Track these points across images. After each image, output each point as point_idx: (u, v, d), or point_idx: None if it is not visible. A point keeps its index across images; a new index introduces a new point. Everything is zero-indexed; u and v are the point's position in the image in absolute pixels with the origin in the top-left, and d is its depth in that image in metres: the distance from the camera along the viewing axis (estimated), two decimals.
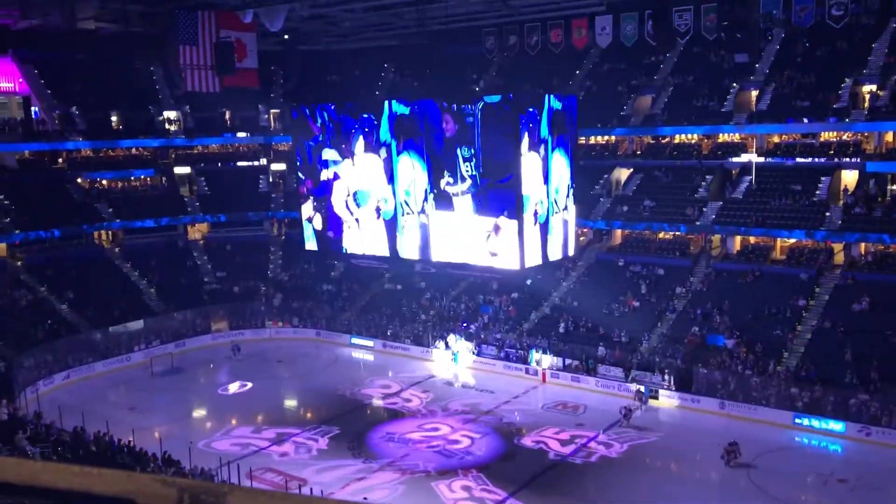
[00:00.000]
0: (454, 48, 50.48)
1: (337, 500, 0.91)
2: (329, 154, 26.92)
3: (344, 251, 27.61)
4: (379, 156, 25.46)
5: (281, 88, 53.79)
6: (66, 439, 24.91)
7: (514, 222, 22.52)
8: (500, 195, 22.69)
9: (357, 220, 26.73)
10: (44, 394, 32.55)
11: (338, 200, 27.05)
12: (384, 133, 25.16)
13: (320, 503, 0.93)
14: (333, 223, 27.32)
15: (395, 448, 27.94)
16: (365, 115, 25.67)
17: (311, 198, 28.00)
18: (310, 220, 28.22)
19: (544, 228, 23.76)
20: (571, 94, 29.75)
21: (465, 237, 23.63)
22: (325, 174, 27.18)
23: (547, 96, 23.48)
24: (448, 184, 23.59)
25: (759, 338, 32.77)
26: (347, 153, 26.32)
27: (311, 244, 28.52)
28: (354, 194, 26.66)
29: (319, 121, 26.70)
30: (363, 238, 26.64)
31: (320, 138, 26.80)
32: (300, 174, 28.43)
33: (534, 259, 23.72)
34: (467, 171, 23.04)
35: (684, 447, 27.66)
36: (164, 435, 27.31)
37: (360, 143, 25.86)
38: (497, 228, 22.94)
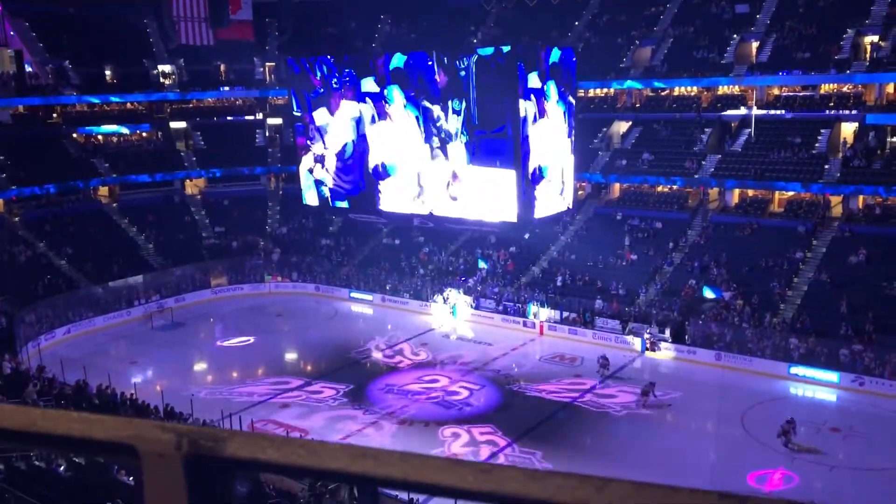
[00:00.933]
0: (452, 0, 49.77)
1: (337, 444, 0.92)
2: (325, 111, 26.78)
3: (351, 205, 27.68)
4: (376, 108, 25.32)
5: (276, 41, 53.07)
6: (69, 392, 25.17)
7: (505, 171, 22.59)
8: (492, 145, 22.75)
9: (362, 175, 26.69)
10: (45, 348, 32.80)
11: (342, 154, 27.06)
12: (380, 85, 25.01)
13: (320, 447, 0.95)
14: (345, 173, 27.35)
15: (395, 399, 28.28)
16: (362, 68, 25.51)
17: (312, 151, 27.88)
18: (310, 171, 28.14)
19: (537, 180, 23.76)
20: (568, 46, 29.43)
21: (460, 188, 23.75)
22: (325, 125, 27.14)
23: (542, 49, 23.27)
24: (441, 135, 23.64)
25: (755, 290, 32.95)
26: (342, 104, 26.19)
27: (311, 197, 28.47)
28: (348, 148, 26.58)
29: (319, 74, 26.48)
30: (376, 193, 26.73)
31: (321, 91, 26.60)
32: (299, 125, 28.24)
33: (531, 212, 23.75)
34: (458, 122, 23.09)
35: (680, 398, 27.97)
36: (165, 388, 27.60)
37: (355, 96, 25.74)
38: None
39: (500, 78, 22.19)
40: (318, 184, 27.94)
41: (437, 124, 23.79)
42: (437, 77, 23.31)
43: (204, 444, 1.01)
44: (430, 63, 23.49)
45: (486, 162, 23.01)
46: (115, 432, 1.08)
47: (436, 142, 23.97)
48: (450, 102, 23.13)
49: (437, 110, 23.75)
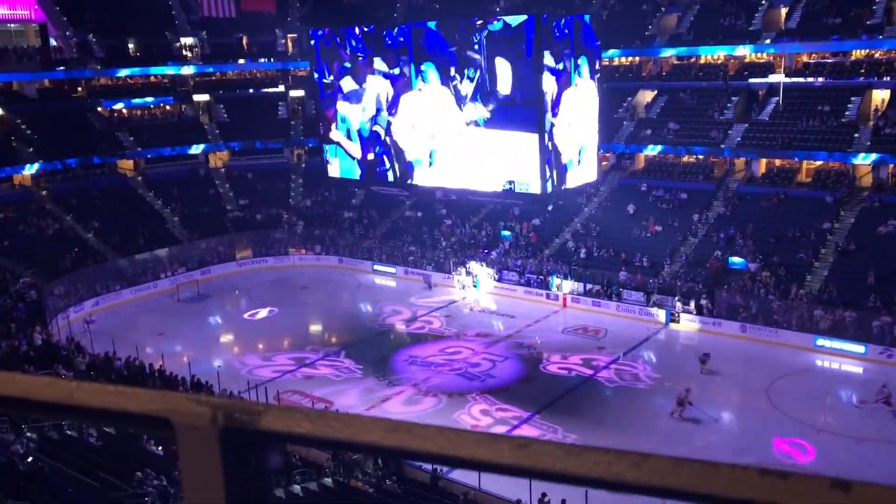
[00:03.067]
0: None
1: (371, 417, 0.91)
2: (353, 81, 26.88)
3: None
4: (399, 79, 25.32)
5: (297, 12, 52.83)
6: (99, 363, 25.63)
7: (528, 138, 22.61)
8: (510, 114, 22.89)
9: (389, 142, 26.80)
10: (75, 320, 33.34)
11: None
12: (403, 56, 25.01)
13: (354, 420, 0.95)
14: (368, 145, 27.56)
15: (418, 371, 28.46)
16: (388, 40, 25.49)
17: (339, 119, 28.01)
18: (337, 142, 28.23)
19: (557, 151, 23.73)
20: (585, 14, 29.14)
21: (480, 155, 23.87)
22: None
23: (553, 19, 23.12)
24: (460, 101, 23.79)
25: (782, 261, 32.62)
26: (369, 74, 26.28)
27: (335, 168, 28.60)
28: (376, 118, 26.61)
29: (348, 48, 26.51)
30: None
31: (348, 65, 26.64)
32: (327, 93, 28.27)
33: (556, 182, 23.69)
34: (473, 89, 23.28)
35: (705, 371, 27.82)
36: (192, 360, 27.99)
37: (382, 66, 25.75)
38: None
39: (512, 48, 22.36)
40: (345, 154, 28.07)
41: (460, 93, 23.89)
42: (451, 48, 23.50)
43: (239, 418, 1.02)
44: (445, 39, 23.66)
45: (506, 126, 23.13)
46: (151, 405, 1.09)
47: (463, 111, 24.01)
48: (465, 71, 23.38)
49: (457, 80, 23.87)
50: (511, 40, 22.42)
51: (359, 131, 27.24)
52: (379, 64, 26.00)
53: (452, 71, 23.97)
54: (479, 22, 23.90)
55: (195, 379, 24.91)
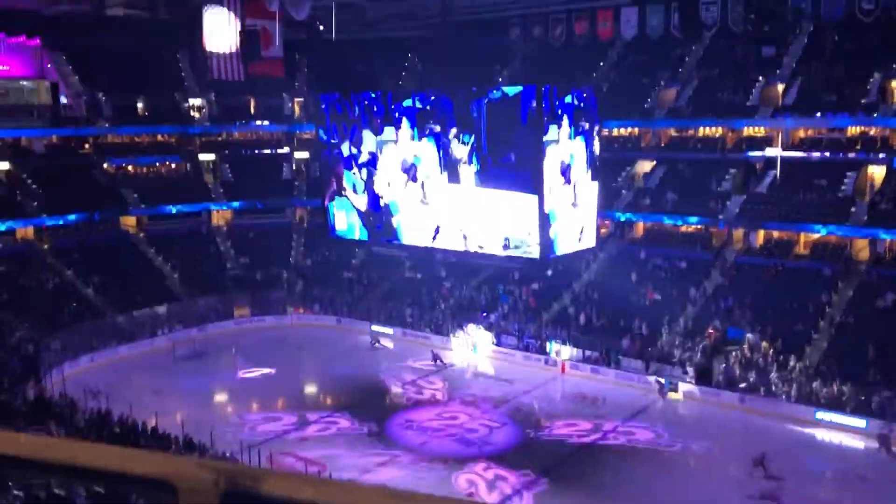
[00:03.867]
0: (478, 39, 50.34)
1: (373, 486, 0.94)
2: (366, 138, 27.53)
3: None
4: (401, 141, 25.84)
5: (305, 77, 53.90)
6: (91, 420, 25.29)
7: (527, 202, 22.94)
8: (505, 175, 23.51)
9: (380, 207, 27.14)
10: (69, 376, 33.00)
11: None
12: (407, 121, 25.60)
13: (356, 489, 0.97)
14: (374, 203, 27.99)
15: (414, 435, 28.09)
16: (392, 106, 26.22)
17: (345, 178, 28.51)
18: (338, 200, 28.72)
19: (556, 216, 24.09)
20: (589, 86, 29.89)
21: (475, 217, 24.30)
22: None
23: (551, 90, 23.76)
24: (457, 164, 24.40)
25: (780, 333, 32.52)
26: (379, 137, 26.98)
27: (340, 223, 28.93)
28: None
29: (357, 109, 27.16)
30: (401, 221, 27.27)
31: (355, 126, 27.29)
32: (332, 154, 28.81)
33: (553, 249, 23.88)
34: (467, 152, 23.95)
35: (704, 442, 27.52)
36: (186, 418, 27.63)
37: (389, 131, 26.43)
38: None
39: (508, 116, 23.11)
40: (351, 206, 28.48)
41: (452, 155, 24.52)
42: (453, 113, 24.28)
43: (241, 482, 1.06)
44: (451, 102, 24.41)
45: (504, 187, 23.63)
46: (154, 468, 1.13)
47: (460, 173, 24.49)
48: (461, 136, 24.07)
49: (453, 144, 24.49)
50: (509, 108, 23.14)
51: (365, 188, 27.80)
52: (385, 130, 26.64)
53: (451, 134, 24.60)
54: (479, 90, 24.70)
55: (188, 438, 24.57)
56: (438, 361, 35.85)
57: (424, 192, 26.01)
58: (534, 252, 25.14)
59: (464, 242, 26.44)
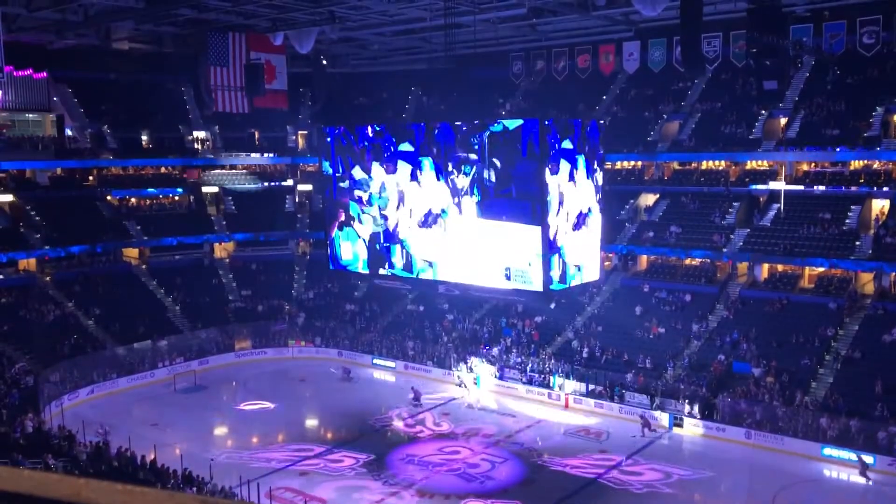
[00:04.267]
0: (481, 72, 50.73)
1: None
2: (374, 171, 27.67)
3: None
4: (404, 173, 25.96)
5: (309, 110, 54.30)
6: (89, 453, 25.04)
7: (530, 235, 22.83)
8: (509, 205, 23.61)
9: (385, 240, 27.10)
10: (68, 408, 32.80)
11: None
12: (411, 153, 25.73)
13: None
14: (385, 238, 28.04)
15: (415, 470, 27.76)
16: (395, 139, 26.42)
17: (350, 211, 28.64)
18: (343, 230, 28.75)
19: (557, 247, 24.10)
20: (592, 119, 30.07)
21: (480, 248, 24.28)
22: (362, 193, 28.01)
23: (553, 125, 23.91)
24: (457, 193, 24.48)
25: (786, 367, 32.28)
26: (387, 170, 27.07)
27: (345, 255, 28.93)
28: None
29: (362, 144, 27.32)
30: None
31: (359, 158, 27.41)
32: (336, 187, 28.90)
33: (556, 281, 23.77)
34: (470, 182, 24.10)
35: (708, 477, 27.17)
36: (185, 451, 27.37)
37: (392, 164, 26.56)
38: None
39: (508, 148, 23.30)
40: (356, 236, 28.49)
41: (456, 186, 24.62)
42: (455, 145, 24.53)
43: None
44: (454, 134, 24.65)
45: (506, 219, 23.71)
46: None
47: (463, 204, 24.55)
48: (463, 167, 24.27)
49: (455, 175, 24.66)
50: (510, 141, 23.29)
51: (372, 220, 27.93)
52: (387, 166, 26.81)
53: (450, 166, 24.75)
54: (480, 123, 24.92)
55: (186, 472, 24.29)
56: (415, 399, 34.97)
57: (438, 227, 26.16)
58: (536, 284, 25.08)
59: (466, 274, 26.40)
